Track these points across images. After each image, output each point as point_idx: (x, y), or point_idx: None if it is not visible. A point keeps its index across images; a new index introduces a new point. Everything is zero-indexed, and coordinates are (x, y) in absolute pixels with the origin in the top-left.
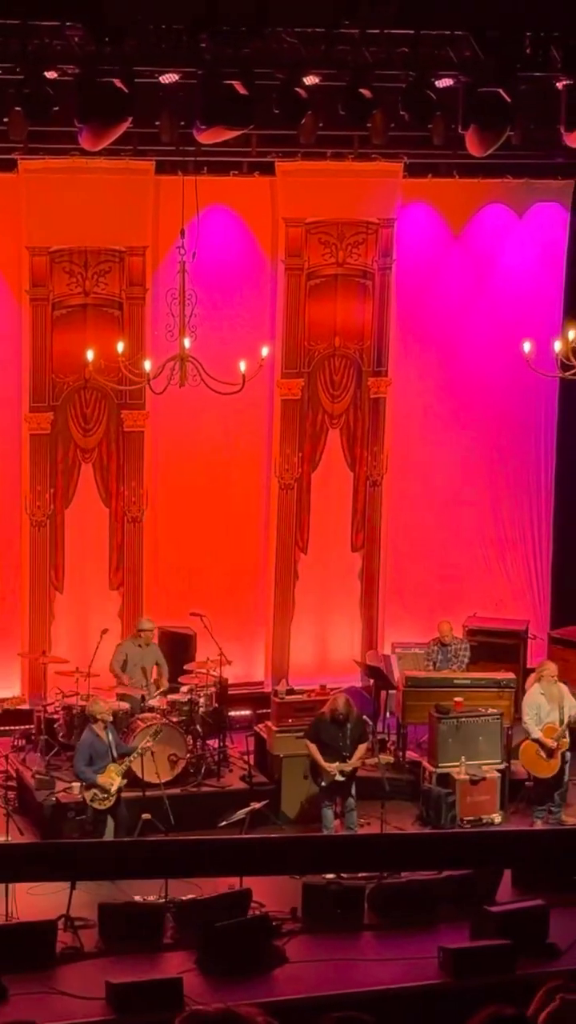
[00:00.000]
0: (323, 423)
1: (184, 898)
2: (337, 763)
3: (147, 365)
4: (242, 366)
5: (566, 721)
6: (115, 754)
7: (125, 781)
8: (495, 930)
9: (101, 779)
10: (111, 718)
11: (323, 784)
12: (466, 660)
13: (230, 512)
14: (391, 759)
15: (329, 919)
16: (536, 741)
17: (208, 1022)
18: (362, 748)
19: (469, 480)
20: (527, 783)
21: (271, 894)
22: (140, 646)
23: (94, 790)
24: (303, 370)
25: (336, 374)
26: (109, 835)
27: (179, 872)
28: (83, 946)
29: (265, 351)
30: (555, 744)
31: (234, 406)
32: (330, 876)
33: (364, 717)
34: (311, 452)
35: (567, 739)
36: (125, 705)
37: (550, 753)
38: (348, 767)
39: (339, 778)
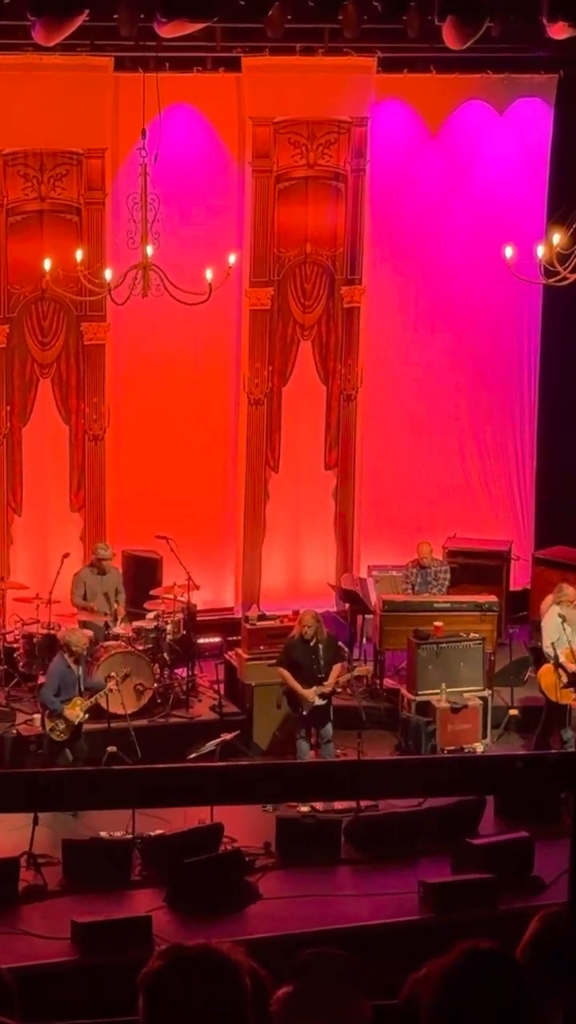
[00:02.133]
0: (294, 334)
1: (152, 833)
2: (314, 687)
3: (108, 274)
4: (208, 275)
5: None
6: (83, 688)
7: (87, 717)
8: (477, 864)
9: (67, 710)
10: (84, 653)
11: (303, 712)
12: (446, 583)
13: (197, 429)
14: (367, 670)
15: (304, 854)
16: (559, 665)
17: (189, 959)
18: (337, 668)
19: (448, 394)
20: (511, 711)
21: (243, 828)
22: (98, 573)
23: (55, 721)
24: (272, 278)
25: (307, 283)
26: None
27: (144, 801)
28: (47, 884)
29: (232, 259)
30: None
31: (200, 317)
32: (305, 809)
33: (334, 635)
34: (282, 365)
35: None
36: (89, 633)
37: (573, 678)
38: (326, 689)
39: (318, 702)
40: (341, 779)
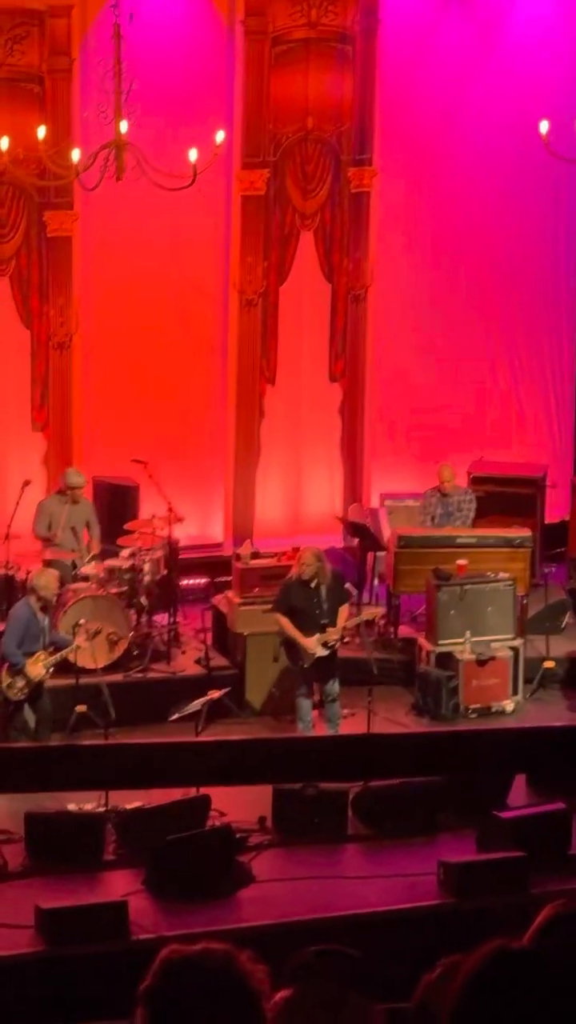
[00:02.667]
0: (293, 224)
1: (129, 807)
2: (317, 635)
3: (75, 155)
4: (192, 155)
5: None
6: (47, 641)
7: (49, 675)
8: (506, 840)
9: (28, 667)
10: (54, 600)
11: (304, 665)
12: (471, 514)
13: (179, 336)
14: (377, 611)
15: (305, 829)
16: None
17: (193, 969)
18: (344, 611)
19: (474, 293)
20: (546, 664)
21: (234, 801)
22: (67, 504)
23: (13, 678)
24: (268, 159)
25: (309, 164)
26: (29, 731)
27: (113, 783)
28: (7, 864)
29: (220, 136)
30: None
31: (183, 205)
32: None
33: (339, 572)
34: (279, 260)
35: None
36: (57, 574)
37: None
38: (332, 637)
39: (322, 652)
40: (352, 759)
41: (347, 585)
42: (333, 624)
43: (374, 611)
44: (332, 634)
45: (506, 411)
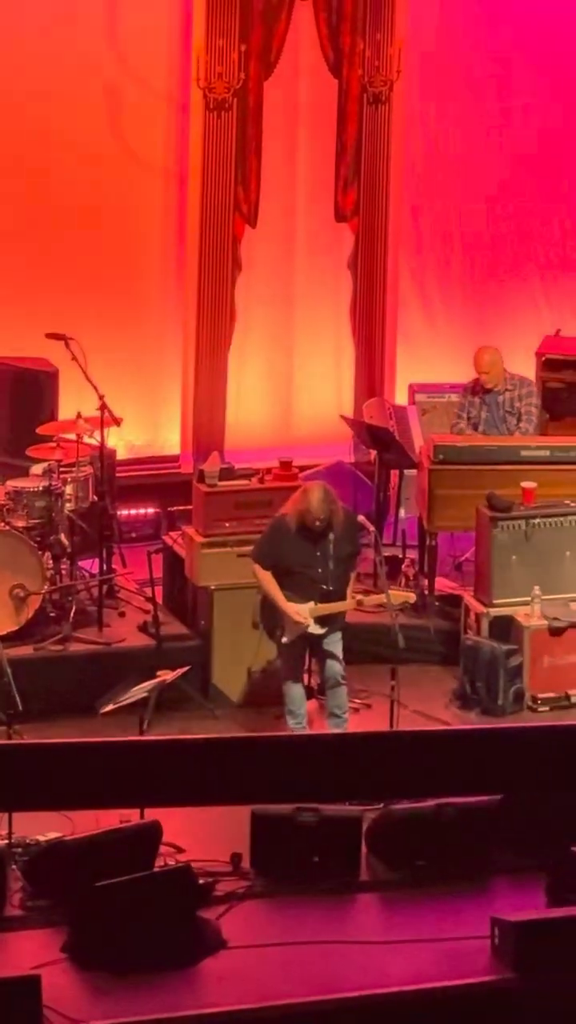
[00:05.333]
0: None
1: (43, 838)
2: (311, 603)
3: None
4: None
5: None
6: None
7: None
8: None
9: None
10: None
11: (285, 640)
12: (534, 416)
13: (116, 153)
14: (411, 596)
15: (299, 873)
16: None
17: None
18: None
19: (533, 87)
20: None
21: (196, 830)
22: None
23: None
24: None
25: None
26: None
27: (15, 801)
28: None
29: None
30: None
31: None
32: None
33: (358, 518)
34: (263, 42)
35: None
36: None
37: None
38: (332, 610)
39: (314, 629)
40: (366, 770)
41: (362, 520)
42: (339, 591)
43: (405, 596)
44: (331, 608)
45: None
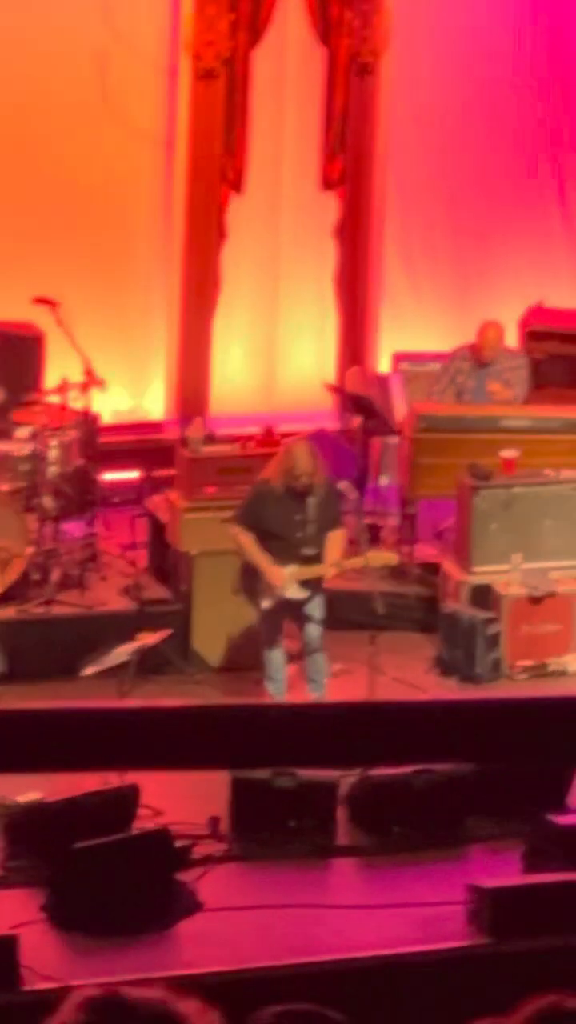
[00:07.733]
0: None
1: (22, 799)
2: (293, 566)
3: None
4: None
5: None
6: None
7: None
8: (565, 855)
9: None
10: None
11: (266, 606)
12: (523, 387)
13: (104, 120)
14: (392, 556)
15: (276, 837)
16: None
17: (116, 1009)
18: (338, 537)
19: (520, 56)
20: None
21: (174, 793)
22: None
23: None
24: None
25: None
26: None
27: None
28: None
29: None
30: None
31: None
32: None
33: (337, 484)
34: (251, 11)
35: None
36: None
37: None
38: (313, 574)
39: (295, 595)
40: (345, 736)
41: (344, 486)
42: (320, 555)
43: (386, 557)
44: (313, 571)
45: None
